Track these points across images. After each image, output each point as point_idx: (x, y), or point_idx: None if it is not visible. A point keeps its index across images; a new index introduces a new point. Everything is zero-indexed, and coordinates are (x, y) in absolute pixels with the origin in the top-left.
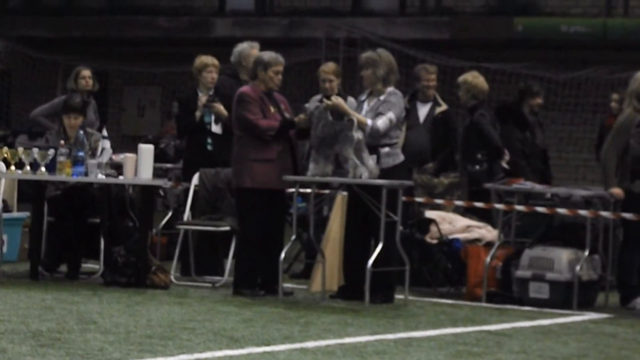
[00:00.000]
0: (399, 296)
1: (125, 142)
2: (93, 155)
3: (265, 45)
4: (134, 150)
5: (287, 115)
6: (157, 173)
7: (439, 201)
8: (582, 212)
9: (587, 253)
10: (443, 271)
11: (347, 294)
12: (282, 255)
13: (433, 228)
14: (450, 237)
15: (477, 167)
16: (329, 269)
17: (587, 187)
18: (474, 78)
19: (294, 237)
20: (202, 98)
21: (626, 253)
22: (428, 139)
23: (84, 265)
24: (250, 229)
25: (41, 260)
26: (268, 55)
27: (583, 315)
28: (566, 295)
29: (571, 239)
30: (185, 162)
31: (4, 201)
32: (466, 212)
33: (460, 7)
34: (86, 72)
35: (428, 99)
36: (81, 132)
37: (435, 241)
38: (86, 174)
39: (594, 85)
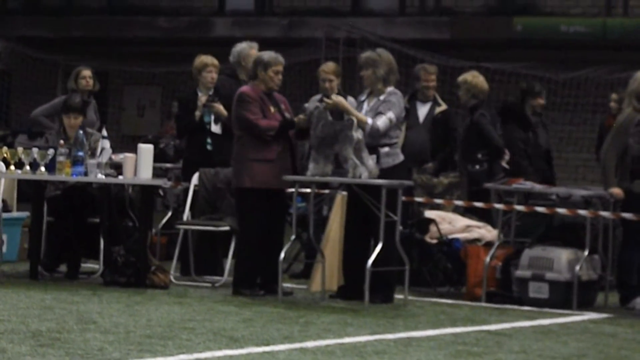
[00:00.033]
0: (398, 296)
1: (125, 142)
2: (93, 155)
3: (264, 45)
4: (134, 150)
5: (287, 115)
6: (157, 173)
7: (439, 201)
8: (582, 212)
9: (586, 253)
10: (443, 271)
11: (347, 293)
12: (282, 255)
13: (433, 228)
14: (450, 237)
15: (477, 166)
16: (329, 268)
17: (587, 187)
18: (474, 78)
19: (293, 237)
20: (202, 98)
21: (626, 253)
22: (428, 138)
23: (83, 265)
24: (249, 228)
25: (41, 260)
26: (268, 55)
27: (583, 315)
28: (566, 295)
29: (571, 239)
30: (185, 162)
31: (3, 201)
32: (466, 212)
33: (459, 7)
34: (87, 72)
35: (428, 99)
36: (81, 132)
37: (434, 241)
38: (86, 174)
39: (593, 85)
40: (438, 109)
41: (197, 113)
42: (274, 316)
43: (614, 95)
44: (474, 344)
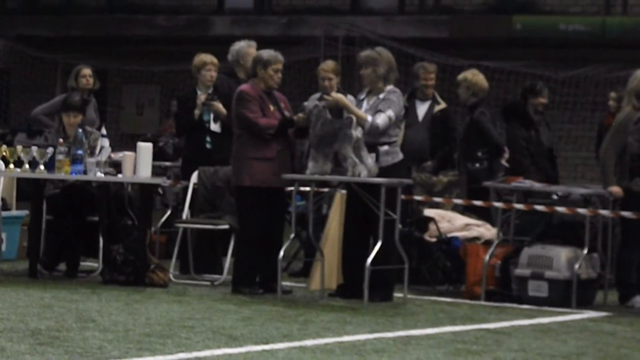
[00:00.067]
0: (397, 294)
1: (124, 141)
2: (92, 153)
3: (264, 44)
4: (133, 148)
5: (286, 113)
6: (156, 171)
7: (438, 199)
8: (581, 210)
9: (586, 251)
10: (442, 269)
11: (346, 292)
12: (281, 253)
13: (432, 226)
14: (449, 235)
15: (477, 165)
16: (328, 267)
17: (586, 185)
18: (474, 76)
19: (292, 235)
20: (201, 96)
21: (625, 251)
22: (427, 137)
23: (82, 263)
24: (249, 227)
25: (40, 258)
26: (267, 53)
27: (582, 314)
28: (565, 294)
29: (570, 238)
30: (184, 160)
31: (2, 199)
32: (465, 210)
33: (459, 6)
34: (87, 71)
35: (427, 98)
36: (80, 130)
37: (434, 239)
38: (85, 172)
39: (592, 83)
40: (437, 108)
41: (197, 111)
42: (273, 315)
43: (613, 94)
44: (473, 342)
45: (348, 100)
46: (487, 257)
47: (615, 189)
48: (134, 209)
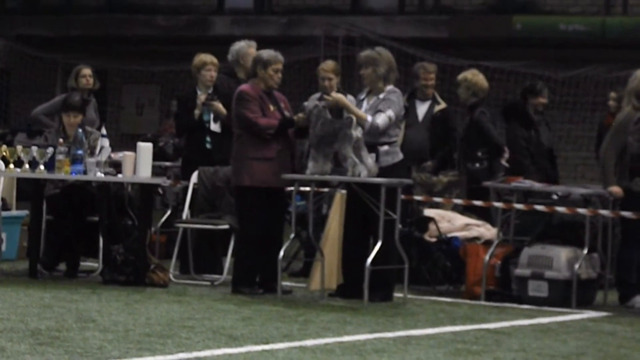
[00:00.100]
0: (397, 294)
1: (124, 141)
2: (92, 153)
3: (263, 44)
4: (133, 148)
5: (286, 113)
6: (156, 171)
7: (438, 199)
8: (581, 210)
9: (586, 251)
10: (442, 269)
11: (346, 292)
12: (281, 253)
13: (432, 226)
14: (449, 235)
15: (478, 165)
16: (328, 267)
17: (586, 185)
18: (474, 76)
19: (292, 235)
20: (201, 96)
21: (625, 251)
22: (427, 137)
23: (82, 263)
24: (249, 227)
25: (40, 258)
26: (267, 53)
27: (582, 314)
28: (565, 294)
29: (570, 238)
30: (184, 160)
31: (2, 199)
32: (465, 210)
33: (459, 6)
34: (87, 71)
35: (427, 98)
36: (80, 130)
37: (434, 239)
38: (85, 172)
39: (592, 83)
40: (437, 108)
41: (197, 111)
42: (273, 315)
43: (612, 94)
44: (473, 342)
45: (348, 100)
46: (487, 257)
47: (615, 189)
48: (134, 209)
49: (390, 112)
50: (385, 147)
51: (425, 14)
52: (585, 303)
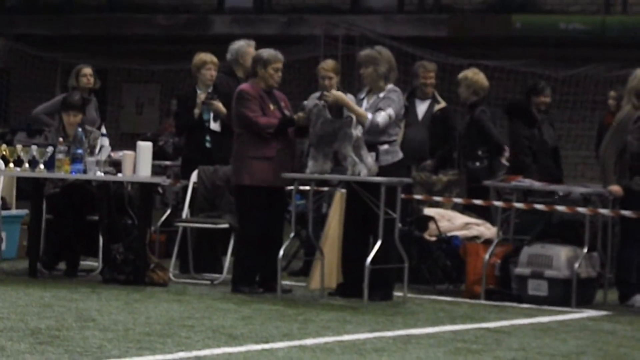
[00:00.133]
0: (397, 293)
1: (124, 140)
2: (92, 152)
3: (263, 43)
4: (133, 147)
5: (287, 112)
6: (156, 170)
7: (438, 198)
8: (581, 209)
9: (585, 250)
10: (442, 268)
11: (346, 291)
12: (281, 252)
13: (432, 225)
14: (449, 234)
15: (478, 163)
16: (328, 266)
17: (586, 184)
18: (475, 74)
19: (292, 234)
20: (201, 95)
21: (625, 250)
22: (427, 136)
23: (82, 262)
24: (249, 226)
25: (40, 257)
26: (267, 52)
27: (582, 313)
28: (565, 293)
29: (570, 237)
30: (184, 159)
31: (2, 199)
32: (465, 209)
33: (458, 5)
34: (87, 70)
35: (427, 97)
36: (80, 129)
37: (434, 238)
38: (85, 172)
39: (592, 82)
40: (437, 107)
41: (196, 111)
42: (273, 314)
43: (612, 93)
44: (473, 341)
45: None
46: (487, 256)
47: (615, 188)
48: (134, 208)
49: (390, 111)
50: (385, 146)
51: (425, 13)
52: (585, 302)
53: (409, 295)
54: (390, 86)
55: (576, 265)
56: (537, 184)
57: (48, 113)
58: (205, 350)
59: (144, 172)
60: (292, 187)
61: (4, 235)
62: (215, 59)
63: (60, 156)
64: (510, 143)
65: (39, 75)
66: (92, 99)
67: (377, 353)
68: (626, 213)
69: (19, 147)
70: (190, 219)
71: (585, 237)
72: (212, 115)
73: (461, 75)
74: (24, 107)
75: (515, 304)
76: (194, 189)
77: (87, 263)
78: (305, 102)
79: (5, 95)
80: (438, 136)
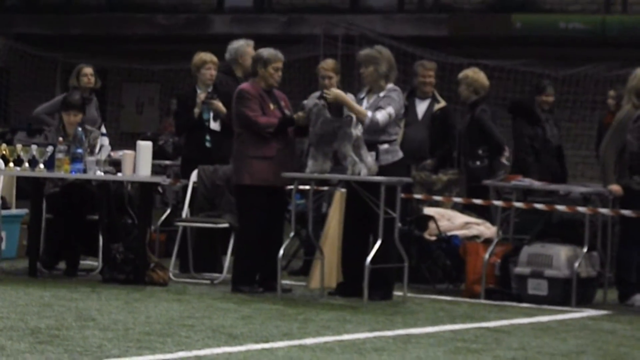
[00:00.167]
0: (397, 293)
1: (124, 139)
2: (92, 152)
3: (263, 42)
4: (133, 147)
5: (287, 112)
6: (156, 170)
7: (438, 198)
8: (581, 208)
9: (585, 250)
10: (442, 268)
11: (346, 290)
12: (281, 252)
13: (431, 225)
14: (449, 233)
15: (478, 162)
16: (328, 266)
17: (586, 183)
18: (475, 73)
19: (292, 234)
20: (201, 95)
21: (625, 250)
22: (426, 135)
23: (82, 262)
24: (249, 226)
25: (40, 257)
26: (267, 51)
27: (581, 312)
28: (565, 292)
29: (570, 236)
30: (184, 159)
31: (2, 198)
32: (465, 208)
33: (458, 4)
34: (88, 70)
35: (426, 96)
36: (80, 129)
37: (433, 238)
38: (85, 171)
39: (592, 82)
40: (437, 106)
41: (196, 110)
42: (272, 313)
43: (611, 92)
44: (473, 340)
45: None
46: (486, 256)
47: (615, 188)
48: (134, 208)
49: (390, 109)
50: (385, 146)
51: (425, 13)
52: (584, 301)
53: (409, 294)
54: (390, 85)
55: (576, 264)
56: (536, 184)
57: (49, 113)
58: (205, 350)
59: (144, 171)
60: (292, 187)
61: (3, 234)
62: (215, 59)
63: (60, 156)
64: (512, 142)
65: (39, 75)
66: (93, 99)
67: (377, 352)
68: (626, 212)
69: (18, 146)
70: (190, 218)
71: (585, 236)
72: (212, 114)
73: (461, 74)
74: (23, 107)
75: (515, 304)
76: (194, 188)
77: (87, 262)
78: (305, 102)
79: (5, 95)
80: (438, 136)
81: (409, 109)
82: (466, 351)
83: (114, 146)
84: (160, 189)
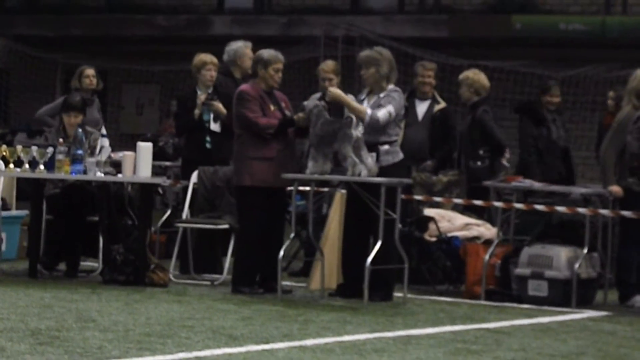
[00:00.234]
0: (397, 294)
1: (124, 140)
2: (92, 153)
3: (263, 44)
4: (133, 148)
5: (287, 113)
6: (156, 171)
7: (438, 199)
8: (581, 209)
9: (585, 251)
10: (442, 269)
11: (346, 292)
12: (281, 253)
13: (432, 226)
14: (449, 235)
15: (479, 163)
16: (328, 267)
17: (586, 184)
18: (475, 74)
19: (292, 235)
20: (201, 96)
21: (625, 251)
22: (426, 136)
23: (82, 263)
24: (249, 227)
25: (40, 258)
26: (268, 53)
27: (582, 313)
28: (565, 293)
29: (570, 237)
30: (184, 160)
31: (2, 199)
32: (465, 209)
33: (458, 5)
34: (90, 71)
35: (426, 96)
36: (80, 130)
37: (434, 239)
38: (85, 172)
39: (592, 83)
40: (437, 107)
41: (196, 111)
42: (273, 314)
43: (611, 93)
44: (473, 341)
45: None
46: (487, 257)
47: (615, 189)
48: (134, 209)
49: (390, 107)
50: (386, 147)
51: (425, 14)
52: (585, 302)
53: (409, 295)
54: (391, 87)
55: (576, 265)
56: (537, 185)
57: (51, 115)
58: (205, 351)
59: (144, 172)
60: (292, 188)
61: (4, 236)
62: (215, 60)
63: (60, 157)
64: (517, 142)
65: (39, 76)
66: (94, 100)
67: (377, 353)
68: (626, 213)
69: (19, 147)
70: (190, 219)
71: (585, 237)
72: (212, 116)
73: (462, 75)
74: (23, 108)
75: (515, 305)
76: (194, 189)
77: (87, 264)
78: (305, 103)
79: (5, 96)
80: (438, 137)
81: (409, 110)
82: (466, 352)
83: (114, 147)
84: (160, 190)
